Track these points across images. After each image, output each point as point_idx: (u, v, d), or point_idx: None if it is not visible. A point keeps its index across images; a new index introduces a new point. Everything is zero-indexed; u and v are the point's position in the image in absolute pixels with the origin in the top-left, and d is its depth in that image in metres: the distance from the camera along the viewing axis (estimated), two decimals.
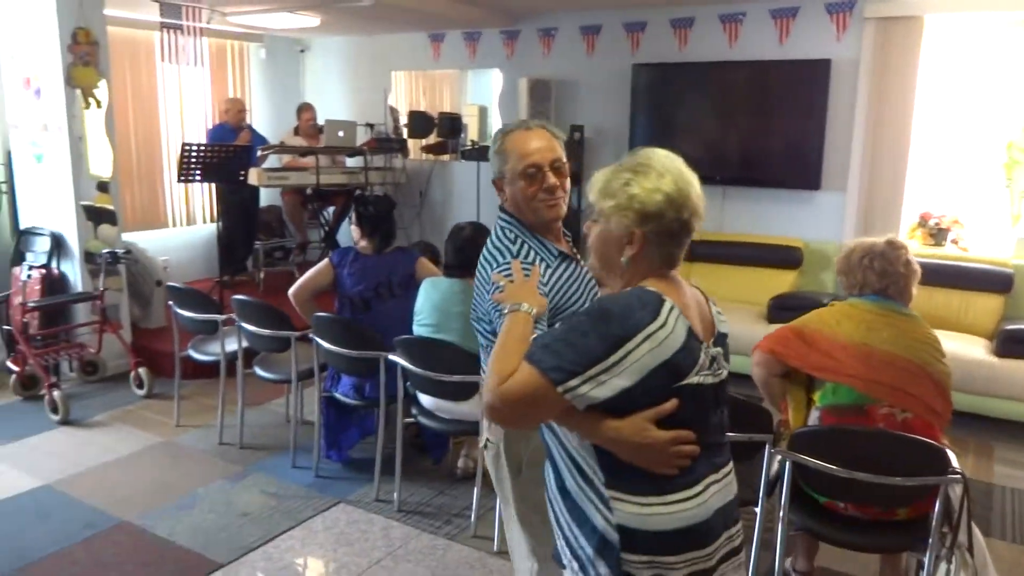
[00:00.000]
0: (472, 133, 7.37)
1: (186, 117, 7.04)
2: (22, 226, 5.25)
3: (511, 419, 1.44)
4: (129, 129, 6.53)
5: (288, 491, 3.66)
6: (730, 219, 5.96)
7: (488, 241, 1.94)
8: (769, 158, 5.78)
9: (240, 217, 6.52)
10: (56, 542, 3.19)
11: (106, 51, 5.01)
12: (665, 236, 1.47)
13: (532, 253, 1.87)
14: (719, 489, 1.50)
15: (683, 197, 1.46)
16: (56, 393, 4.41)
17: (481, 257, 1.92)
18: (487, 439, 1.99)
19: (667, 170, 1.47)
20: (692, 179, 1.50)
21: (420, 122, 7.00)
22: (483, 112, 7.45)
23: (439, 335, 3.28)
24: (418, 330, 3.37)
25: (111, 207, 5.13)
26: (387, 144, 7.18)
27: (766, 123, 5.75)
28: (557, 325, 1.50)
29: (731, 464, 1.57)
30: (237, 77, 7.50)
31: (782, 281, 5.43)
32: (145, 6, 5.65)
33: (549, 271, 1.84)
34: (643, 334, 1.36)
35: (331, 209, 7.26)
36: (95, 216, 5.09)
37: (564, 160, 1.90)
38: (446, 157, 7.31)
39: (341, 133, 6.72)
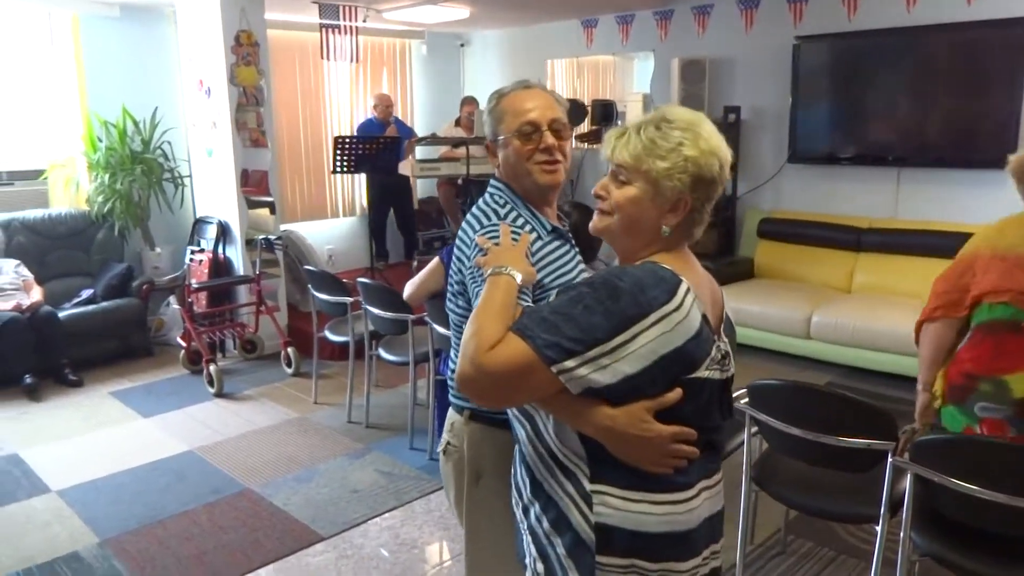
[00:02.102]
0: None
1: (350, 113, 7.40)
2: (197, 215, 5.76)
3: (488, 395, 1.24)
4: (298, 125, 6.97)
5: (400, 471, 3.71)
6: (905, 204, 5.35)
7: (474, 207, 1.72)
8: (953, 135, 5.09)
9: (391, 207, 6.75)
10: (185, 503, 3.43)
11: (266, 51, 5.36)
12: (708, 203, 1.33)
13: (522, 221, 1.63)
14: (710, 496, 1.33)
15: (727, 162, 1.32)
16: (212, 368, 4.78)
17: (464, 223, 1.69)
18: (447, 442, 1.75)
19: (715, 132, 1.32)
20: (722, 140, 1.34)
21: (573, 110, 6.87)
22: (646, 99, 7.24)
23: None
24: None
25: (270, 198, 5.49)
26: None
27: (950, 95, 5.07)
28: (550, 299, 1.33)
29: (721, 471, 1.39)
30: (399, 73, 7.78)
31: None
32: (306, 9, 5.99)
33: (540, 243, 1.62)
34: (655, 315, 1.20)
35: None
36: (258, 207, 5.48)
37: (565, 123, 1.70)
38: (598, 145, 7.14)
39: None
